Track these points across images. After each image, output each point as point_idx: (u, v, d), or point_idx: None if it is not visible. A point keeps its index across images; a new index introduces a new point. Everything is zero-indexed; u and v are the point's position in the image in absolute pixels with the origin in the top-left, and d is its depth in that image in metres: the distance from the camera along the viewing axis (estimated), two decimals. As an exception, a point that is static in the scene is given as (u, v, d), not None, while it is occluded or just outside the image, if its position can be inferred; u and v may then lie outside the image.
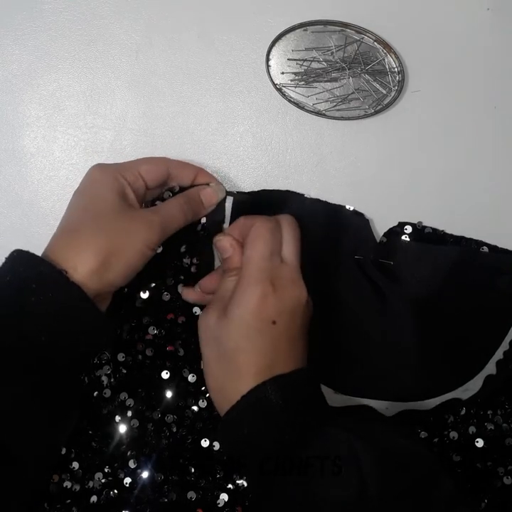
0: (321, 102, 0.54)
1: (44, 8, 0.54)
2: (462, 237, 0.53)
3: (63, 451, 0.50)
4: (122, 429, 0.51)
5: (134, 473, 0.50)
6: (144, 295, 0.52)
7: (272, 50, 0.54)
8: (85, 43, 0.54)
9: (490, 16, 0.55)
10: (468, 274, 0.52)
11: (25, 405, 0.41)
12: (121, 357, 0.51)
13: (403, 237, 0.53)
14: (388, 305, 0.52)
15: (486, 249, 0.53)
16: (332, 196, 0.54)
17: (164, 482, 0.50)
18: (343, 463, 0.40)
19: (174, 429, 0.51)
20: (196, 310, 0.52)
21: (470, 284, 0.52)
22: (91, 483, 0.50)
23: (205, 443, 0.51)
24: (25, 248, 0.43)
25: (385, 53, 0.54)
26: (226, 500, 0.50)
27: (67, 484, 0.50)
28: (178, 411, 0.51)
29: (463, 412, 0.52)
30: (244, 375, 0.43)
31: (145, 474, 0.50)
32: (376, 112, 0.54)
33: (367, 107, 0.54)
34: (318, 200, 0.53)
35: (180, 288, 0.52)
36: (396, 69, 0.54)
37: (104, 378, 0.51)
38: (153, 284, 0.52)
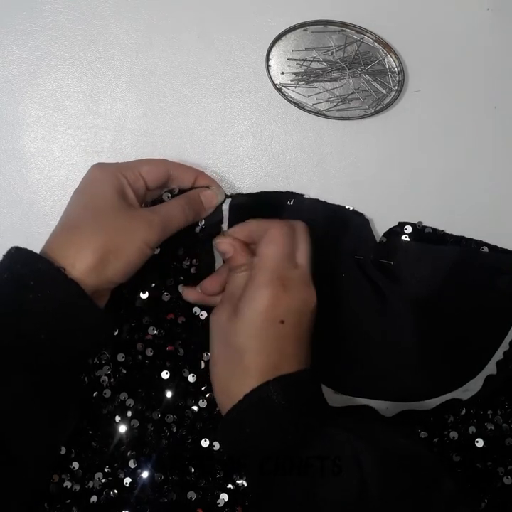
0: (321, 102, 0.54)
1: (44, 8, 0.54)
2: (462, 237, 0.53)
3: (63, 451, 0.50)
4: (122, 429, 0.51)
5: (134, 473, 0.50)
6: (144, 295, 0.52)
7: (272, 50, 0.54)
8: (85, 43, 0.54)
9: (490, 16, 0.55)
10: (468, 274, 0.52)
11: (25, 404, 0.41)
12: (121, 357, 0.51)
13: (403, 237, 0.53)
14: (388, 305, 0.52)
15: (486, 249, 0.53)
16: (332, 196, 0.54)
17: (164, 482, 0.50)
18: (343, 463, 0.40)
19: (174, 429, 0.51)
20: (196, 310, 0.52)
21: (470, 284, 0.52)
22: (91, 483, 0.50)
23: (205, 443, 0.51)
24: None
25: (385, 53, 0.54)
26: (226, 500, 0.50)
27: (67, 484, 0.50)
28: (178, 411, 0.51)
29: (463, 412, 0.52)
30: (249, 375, 0.43)
31: (145, 474, 0.50)
32: (376, 112, 0.54)
33: (367, 107, 0.54)
34: (317, 201, 0.53)
35: (180, 288, 0.52)
36: (396, 69, 0.54)
37: (104, 378, 0.51)
38: (153, 285, 0.52)
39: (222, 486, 0.50)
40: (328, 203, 0.53)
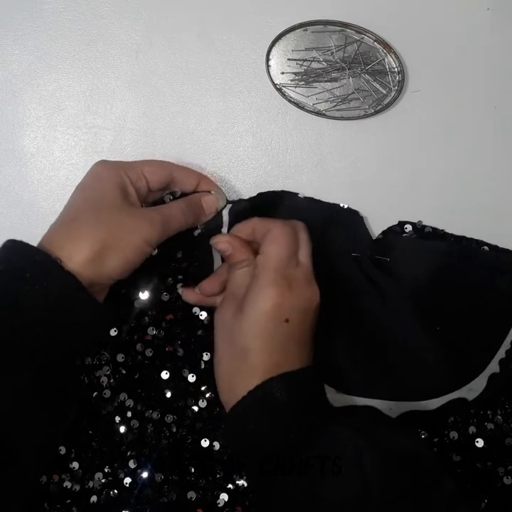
0: (321, 102, 0.54)
1: (44, 8, 0.54)
2: (463, 237, 0.53)
3: (63, 451, 0.50)
4: (122, 429, 0.51)
5: (134, 473, 0.50)
6: (144, 295, 0.52)
7: (272, 50, 0.54)
8: (85, 43, 0.54)
9: (490, 16, 0.55)
10: (469, 274, 0.52)
11: (22, 400, 0.41)
12: (120, 358, 0.51)
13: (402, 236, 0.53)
14: (388, 303, 0.52)
15: (486, 249, 0.53)
16: (332, 196, 0.54)
17: (164, 482, 0.50)
18: (344, 463, 0.40)
19: (174, 429, 0.51)
20: (196, 310, 0.52)
21: (470, 284, 0.52)
22: (91, 483, 0.50)
23: (205, 443, 0.51)
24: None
25: (385, 53, 0.54)
26: (226, 500, 0.50)
27: (67, 484, 0.50)
28: (178, 411, 0.51)
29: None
30: (253, 374, 0.43)
31: (145, 474, 0.50)
32: (376, 112, 0.54)
33: (367, 107, 0.54)
34: (312, 199, 0.53)
35: (180, 288, 0.52)
36: (396, 69, 0.54)
37: (104, 379, 0.51)
38: (153, 285, 0.52)
39: (222, 486, 0.50)
40: (323, 202, 0.53)
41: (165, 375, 0.51)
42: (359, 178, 0.54)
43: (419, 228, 0.53)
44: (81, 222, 0.44)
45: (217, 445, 0.51)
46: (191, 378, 0.51)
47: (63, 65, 0.54)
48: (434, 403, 0.52)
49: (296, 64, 0.54)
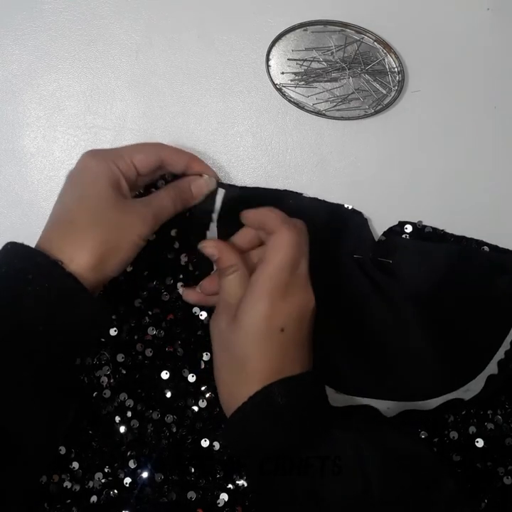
0: (321, 102, 0.54)
1: (44, 8, 0.54)
2: (463, 237, 0.53)
3: (63, 451, 0.50)
4: (122, 429, 0.51)
5: (134, 473, 0.50)
6: (143, 295, 0.52)
7: (272, 50, 0.54)
8: (85, 43, 0.54)
9: (490, 16, 0.55)
10: (469, 274, 0.52)
11: (22, 398, 0.41)
12: (120, 358, 0.51)
13: (403, 236, 0.53)
14: (388, 304, 0.52)
15: (486, 249, 0.53)
16: (332, 196, 0.54)
17: (164, 482, 0.50)
18: (345, 463, 0.40)
19: (174, 429, 0.51)
20: (196, 310, 0.52)
21: (470, 284, 0.52)
22: (91, 483, 0.50)
23: (205, 443, 0.51)
24: (25, 248, 0.43)
25: (385, 53, 0.54)
26: (226, 500, 0.50)
27: (67, 484, 0.50)
28: (178, 411, 0.51)
29: (463, 412, 0.52)
30: (253, 381, 0.43)
31: (145, 474, 0.50)
32: (376, 112, 0.54)
33: (367, 107, 0.54)
34: (316, 199, 0.53)
35: (180, 288, 0.52)
36: (396, 69, 0.54)
37: (104, 379, 0.51)
38: (153, 284, 0.52)
39: (222, 486, 0.50)
40: (326, 202, 0.53)
41: (165, 375, 0.51)
42: (359, 178, 0.54)
43: (419, 228, 0.53)
44: (77, 225, 0.44)
45: (217, 445, 0.51)
46: (191, 378, 0.51)
47: (63, 65, 0.54)
48: (432, 403, 0.52)
49: (296, 64, 0.54)
